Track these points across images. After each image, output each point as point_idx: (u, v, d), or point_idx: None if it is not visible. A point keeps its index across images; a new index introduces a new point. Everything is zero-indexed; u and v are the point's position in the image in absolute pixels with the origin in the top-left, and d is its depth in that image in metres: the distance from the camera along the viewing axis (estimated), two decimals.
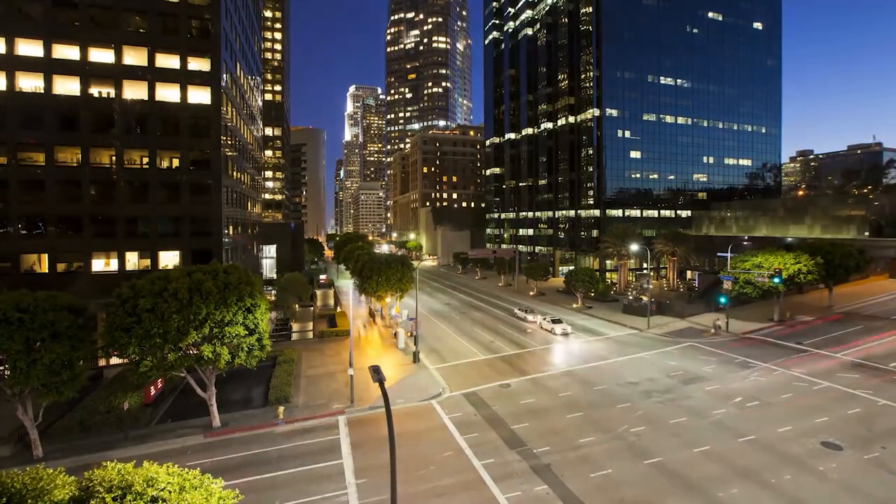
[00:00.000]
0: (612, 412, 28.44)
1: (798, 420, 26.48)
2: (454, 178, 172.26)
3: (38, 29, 39.39)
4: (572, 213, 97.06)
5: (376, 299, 53.91)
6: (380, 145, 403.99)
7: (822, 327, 47.38)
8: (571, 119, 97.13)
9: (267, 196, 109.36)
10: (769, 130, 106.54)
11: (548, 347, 44.03)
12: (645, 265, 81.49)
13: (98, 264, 41.11)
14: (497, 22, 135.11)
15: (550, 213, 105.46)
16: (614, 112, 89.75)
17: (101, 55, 41.02)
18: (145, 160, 42.75)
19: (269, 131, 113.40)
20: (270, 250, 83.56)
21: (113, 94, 41.16)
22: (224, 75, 46.17)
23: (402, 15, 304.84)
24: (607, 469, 22.04)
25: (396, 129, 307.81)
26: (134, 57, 41.95)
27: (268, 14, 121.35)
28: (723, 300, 48.55)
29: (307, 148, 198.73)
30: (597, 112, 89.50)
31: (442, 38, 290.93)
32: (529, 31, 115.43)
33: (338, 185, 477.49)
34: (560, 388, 33.00)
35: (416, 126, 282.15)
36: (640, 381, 33.88)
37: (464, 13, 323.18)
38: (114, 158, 41.45)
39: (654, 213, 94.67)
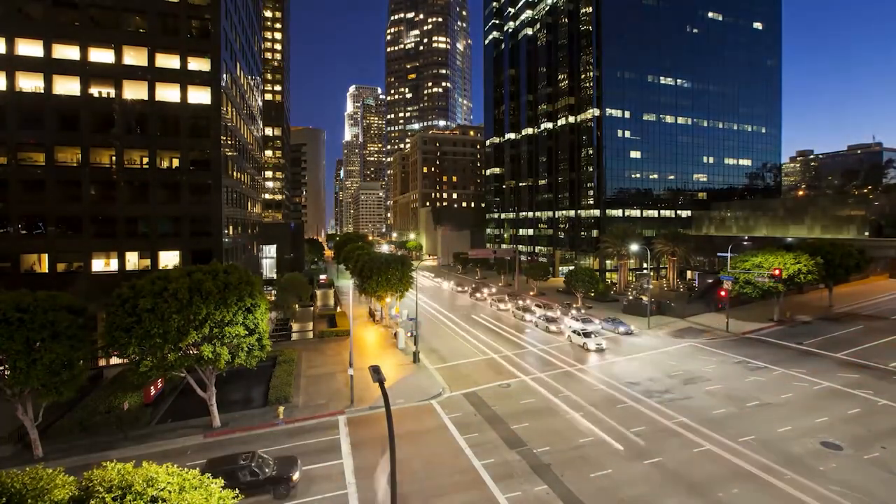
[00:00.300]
0: (612, 412, 28.44)
1: (798, 420, 26.48)
2: (454, 178, 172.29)
3: (38, 29, 39.40)
4: (572, 213, 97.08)
5: (376, 299, 53.91)
6: (380, 145, 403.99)
7: (822, 327, 47.38)
8: (571, 119, 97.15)
9: (267, 196, 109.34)
10: (769, 130, 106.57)
11: (547, 347, 44.03)
12: (645, 265, 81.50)
13: (98, 264, 41.12)
14: (497, 22, 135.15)
15: (550, 213, 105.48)
16: (614, 112, 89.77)
17: (101, 55, 41.02)
18: (145, 160, 42.75)
19: (269, 131, 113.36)
20: (270, 250, 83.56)
21: (113, 94, 41.16)
22: (224, 75, 46.18)
23: (402, 15, 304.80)
24: (607, 469, 22.04)
25: (396, 129, 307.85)
26: (134, 57, 41.95)
27: (268, 14, 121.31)
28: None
29: (307, 148, 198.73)
30: (597, 112, 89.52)
31: (442, 38, 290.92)
32: (529, 31, 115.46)
33: (338, 185, 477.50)
34: (560, 387, 33.00)
35: (416, 126, 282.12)
36: (640, 380, 33.87)
37: (464, 13, 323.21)
38: (114, 158, 41.45)
39: (654, 213, 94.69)
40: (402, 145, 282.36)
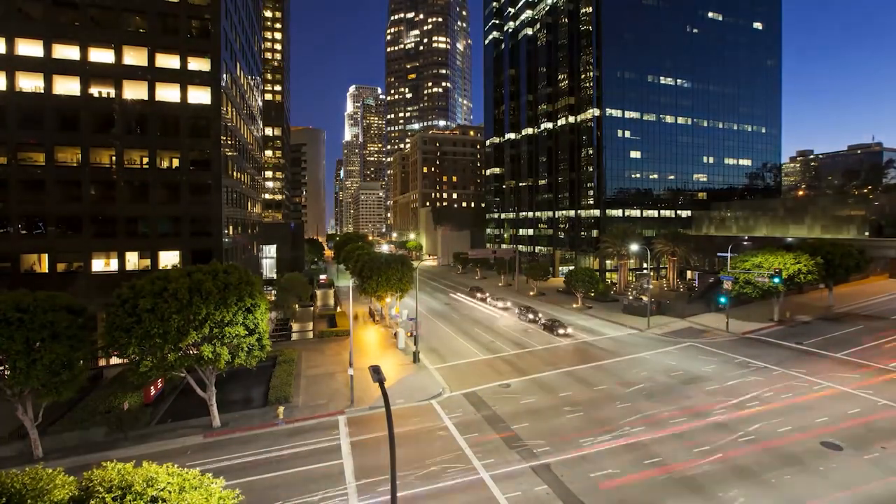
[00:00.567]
0: (613, 412, 28.44)
1: (798, 420, 26.48)
2: (454, 178, 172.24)
3: (38, 29, 39.40)
4: (572, 213, 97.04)
5: (376, 299, 53.91)
6: (380, 145, 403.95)
7: (822, 327, 47.38)
8: (571, 119, 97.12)
9: (267, 196, 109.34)
10: (769, 130, 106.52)
11: (548, 347, 44.02)
12: (645, 265, 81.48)
13: (98, 264, 41.12)
14: (497, 22, 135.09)
15: (550, 213, 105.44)
16: (614, 112, 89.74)
17: (101, 55, 41.02)
18: (145, 160, 42.75)
19: (269, 131, 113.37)
20: (270, 250, 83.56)
21: (113, 94, 41.16)
22: (224, 75, 46.17)
23: (402, 15, 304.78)
24: (607, 469, 22.05)
25: (396, 129, 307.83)
26: (134, 57, 41.94)
27: (268, 14, 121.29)
28: (723, 300, 48.51)
29: (307, 148, 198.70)
30: (597, 112, 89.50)
31: (442, 38, 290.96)
32: (529, 31, 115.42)
33: (338, 185, 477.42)
34: (560, 387, 33.01)
35: (416, 126, 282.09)
36: (640, 380, 33.87)
37: (464, 13, 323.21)
38: (114, 158, 41.45)
39: (654, 213, 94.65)
40: (402, 145, 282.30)
